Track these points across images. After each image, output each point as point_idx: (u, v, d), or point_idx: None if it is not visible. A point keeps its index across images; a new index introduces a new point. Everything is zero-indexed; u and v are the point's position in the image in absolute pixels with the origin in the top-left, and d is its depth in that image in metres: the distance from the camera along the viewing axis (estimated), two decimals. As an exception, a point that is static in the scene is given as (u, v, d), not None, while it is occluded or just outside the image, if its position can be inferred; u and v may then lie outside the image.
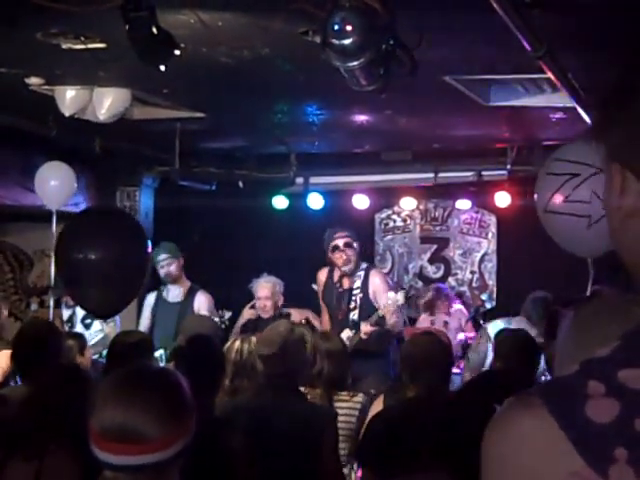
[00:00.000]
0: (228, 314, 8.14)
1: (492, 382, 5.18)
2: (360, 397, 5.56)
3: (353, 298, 8.00)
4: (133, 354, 5.13)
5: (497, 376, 5.17)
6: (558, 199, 6.14)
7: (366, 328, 7.63)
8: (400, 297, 7.71)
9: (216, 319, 8.01)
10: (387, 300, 7.63)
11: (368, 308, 7.84)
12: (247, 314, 8.32)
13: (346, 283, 8.10)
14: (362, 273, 8.09)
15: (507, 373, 5.05)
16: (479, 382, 5.25)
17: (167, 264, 8.53)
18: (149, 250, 6.76)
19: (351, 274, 8.06)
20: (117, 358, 5.23)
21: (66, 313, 8.58)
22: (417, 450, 2.45)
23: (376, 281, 7.97)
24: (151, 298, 8.75)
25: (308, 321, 8.02)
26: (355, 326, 7.76)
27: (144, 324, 8.62)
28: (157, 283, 8.94)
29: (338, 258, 8.02)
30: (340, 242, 8.05)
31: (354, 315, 7.89)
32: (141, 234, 6.29)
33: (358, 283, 8.04)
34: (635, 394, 1.02)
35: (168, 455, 2.22)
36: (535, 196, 6.66)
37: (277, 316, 8.07)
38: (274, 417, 4.52)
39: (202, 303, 8.37)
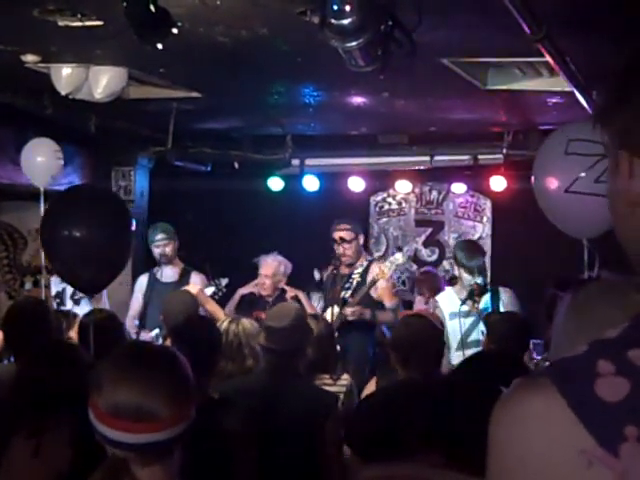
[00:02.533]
0: (225, 281, 8.16)
1: (485, 364, 5.19)
2: (345, 380, 5.48)
3: (350, 280, 8.04)
4: (98, 333, 5.13)
5: (490, 358, 5.18)
6: (588, 179, 6.08)
7: (349, 309, 7.68)
8: (399, 257, 7.77)
9: (212, 288, 8.02)
10: (386, 263, 7.73)
11: (362, 293, 7.88)
12: (251, 288, 8.31)
13: (345, 270, 8.14)
14: (365, 264, 8.18)
15: (500, 355, 5.05)
16: (472, 364, 5.26)
17: (163, 244, 8.54)
18: (133, 227, 6.81)
19: (350, 266, 8.12)
20: (83, 336, 5.25)
21: (55, 289, 8.56)
22: (409, 434, 2.44)
23: (376, 269, 7.99)
24: (143, 279, 8.75)
25: (298, 299, 8.04)
26: (344, 303, 7.80)
27: (135, 306, 8.62)
28: (150, 265, 8.95)
29: (336, 250, 8.08)
30: (337, 235, 8.12)
31: (346, 294, 7.92)
32: (125, 211, 6.37)
33: (359, 270, 8.13)
34: None
35: (175, 433, 2.25)
36: (547, 177, 6.56)
37: (277, 297, 8.08)
38: (276, 399, 4.52)
39: (197, 284, 8.37)
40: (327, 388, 5.28)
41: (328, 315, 7.49)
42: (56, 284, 8.51)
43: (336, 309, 7.73)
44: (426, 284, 9.68)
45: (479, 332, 6.98)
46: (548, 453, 1.03)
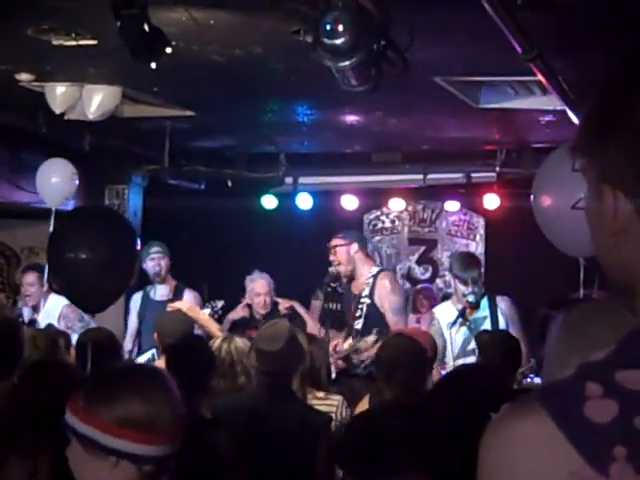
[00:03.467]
0: (220, 303, 8.13)
1: (468, 380, 5.19)
2: (336, 400, 5.38)
3: (360, 306, 7.80)
4: (97, 351, 5.11)
5: (474, 374, 5.18)
6: None
7: (364, 354, 7.55)
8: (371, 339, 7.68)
9: (208, 309, 8.00)
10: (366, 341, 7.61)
11: (374, 317, 7.66)
12: (240, 312, 8.28)
13: (355, 288, 7.84)
14: (371, 280, 7.76)
15: (484, 370, 5.06)
16: (454, 380, 5.26)
17: (158, 257, 8.53)
18: (138, 248, 6.80)
19: (348, 276, 7.88)
20: (81, 355, 5.23)
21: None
22: (395, 453, 2.45)
23: (384, 283, 7.77)
24: (137, 298, 8.72)
25: (293, 309, 8.03)
26: (357, 335, 7.61)
27: (132, 325, 8.60)
28: (142, 283, 8.93)
29: (330, 259, 7.92)
30: (330, 244, 8.01)
31: (358, 324, 7.71)
32: (131, 232, 6.37)
33: (366, 290, 7.71)
34: (633, 394, 1.03)
35: (174, 449, 2.26)
36: (551, 195, 6.55)
37: (270, 312, 8.06)
38: (269, 418, 4.50)
39: (190, 301, 8.36)
40: (315, 402, 5.22)
41: (346, 345, 7.44)
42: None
43: (350, 341, 7.61)
44: (425, 299, 9.70)
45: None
46: (539, 475, 1.04)
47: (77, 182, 8.27)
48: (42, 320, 7.93)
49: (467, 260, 7.52)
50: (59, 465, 2.48)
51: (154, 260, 8.55)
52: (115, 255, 6.08)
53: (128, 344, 8.22)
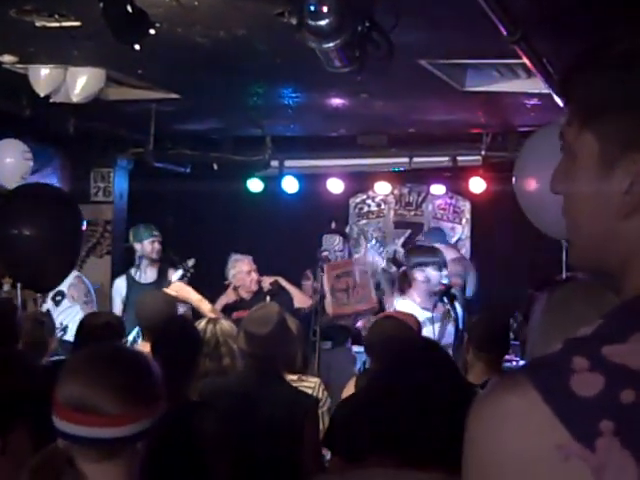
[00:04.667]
0: (191, 262, 8.14)
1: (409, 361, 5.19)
2: (312, 382, 5.36)
3: None
4: (101, 336, 5.09)
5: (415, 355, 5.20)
6: None
7: None
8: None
9: (180, 271, 8.01)
10: None
11: None
12: (232, 295, 8.26)
13: None
14: None
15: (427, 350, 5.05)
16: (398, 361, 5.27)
17: (158, 241, 8.59)
18: (83, 227, 6.81)
19: None
20: (85, 340, 5.20)
21: None
22: (384, 435, 2.44)
23: None
24: (121, 283, 8.70)
25: (278, 284, 8.04)
26: None
27: (116, 310, 8.56)
28: (128, 266, 8.92)
29: None
30: None
31: None
32: (74, 210, 6.37)
33: None
34: (619, 368, 1.03)
35: (124, 433, 2.20)
36: (539, 178, 6.55)
37: (257, 292, 8.07)
38: (257, 401, 4.50)
39: (175, 280, 8.41)
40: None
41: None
42: None
43: None
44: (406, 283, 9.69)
45: (450, 335, 6.94)
46: (525, 449, 1.04)
47: (31, 162, 8.25)
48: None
49: (431, 248, 7.47)
50: (33, 443, 2.50)
51: (153, 244, 8.58)
52: (59, 233, 6.08)
53: None
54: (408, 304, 7.18)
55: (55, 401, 2.24)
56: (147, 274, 8.65)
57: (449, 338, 6.92)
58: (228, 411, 4.28)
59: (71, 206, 6.80)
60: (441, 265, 7.12)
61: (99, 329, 5.23)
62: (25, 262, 6.22)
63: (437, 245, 8.18)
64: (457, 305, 7.08)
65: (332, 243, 8.65)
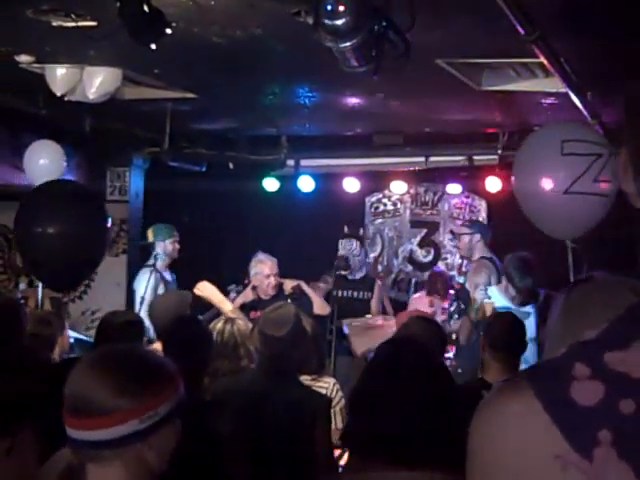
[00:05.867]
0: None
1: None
2: (325, 382, 5.38)
3: None
4: (120, 335, 5.08)
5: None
6: (586, 180, 6.11)
7: None
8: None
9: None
10: None
11: None
12: (250, 295, 8.22)
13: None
14: None
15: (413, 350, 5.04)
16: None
17: (177, 241, 8.63)
18: (109, 225, 6.78)
19: None
20: (104, 340, 5.19)
21: None
22: (405, 436, 2.44)
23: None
24: (151, 277, 8.61)
25: (300, 289, 8.01)
26: None
27: (138, 302, 8.48)
28: (141, 264, 8.92)
29: None
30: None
31: None
32: (101, 208, 6.33)
33: None
34: (620, 376, 1.02)
35: (122, 433, 2.19)
36: (542, 179, 6.54)
37: (277, 296, 8.05)
38: (269, 401, 4.49)
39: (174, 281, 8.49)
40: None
41: None
42: None
43: None
44: (440, 284, 9.67)
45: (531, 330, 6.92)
46: (524, 456, 1.04)
47: (65, 163, 8.25)
48: None
49: (527, 266, 7.41)
50: (40, 444, 2.50)
51: (173, 244, 8.61)
52: (85, 230, 6.06)
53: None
54: (495, 292, 7.48)
55: (63, 407, 2.25)
56: (166, 272, 8.68)
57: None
58: (240, 411, 4.28)
59: (96, 204, 6.77)
60: (520, 289, 7.11)
61: (118, 328, 5.22)
62: (47, 261, 6.19)
63: None
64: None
65: (350, 248, 8.63)
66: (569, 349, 1.09)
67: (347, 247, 8.58)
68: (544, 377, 1.07)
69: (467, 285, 8.16)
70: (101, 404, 2.18)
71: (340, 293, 8.39)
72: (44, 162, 8.11)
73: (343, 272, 8.45)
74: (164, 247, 8.64)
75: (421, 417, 2.39)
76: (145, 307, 8.24)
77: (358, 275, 8.76)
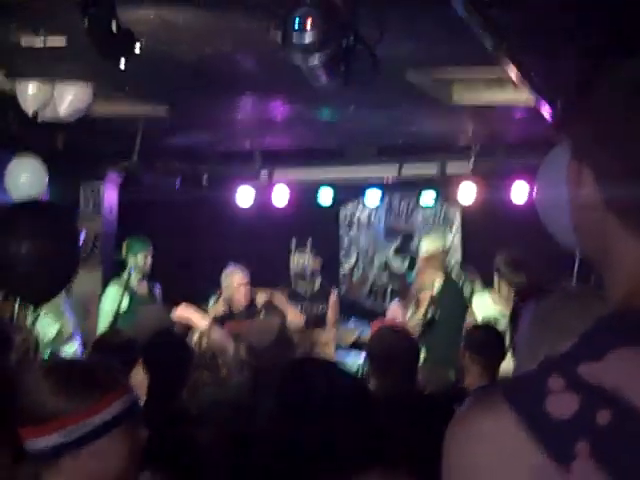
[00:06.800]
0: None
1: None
2: None
3: None
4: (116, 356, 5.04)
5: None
6: None
7: None
8: None
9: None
10: None
11: None
12: (221, 307, 8.18)
13: None
14: None
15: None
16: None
17: (150, 255, 8.57)
18: (81, 243, 6.81)
19: None
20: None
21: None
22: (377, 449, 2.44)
23: None
24: (117, 292, 8.56)
25: (272, 299, 7.99)
26: None
27: (106, 320, 8.43)
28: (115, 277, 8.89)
29: None
30: None
31: None
32: (72, 226, 6.38)
33: None
34: (594, 388, 1.02)
35: (48, 443, 2.21)
36: (562, 190, 6.52)
37: (249, 305, 8.03)
38: (257, 412, 4.49)
39: (159, 294, 8.42)
40: None
41: None
42: None
43: None
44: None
45: None
46: (501, 471, 1.03)
47: (47, 178, 8.20)
48: None
49: (518, 263, 7.36)
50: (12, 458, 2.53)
51: (147, 257, 8.56)
52: (56, 249, 6.10)
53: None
54: (485, 298, 7.50)
55: None
56: (140, 286, 8.61)
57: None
58: (226, 422, 4.28)
59: (69, 220, 6.80)
60: (515, 285, 7.10)
61: (119, 347, 5.16)
62: (22, 277, 6.22)
63: None
64: None
65: (302, 262, 8.53)
66: (542, 363, 1.08)
67: (300, 261, 8.52)
68: (518, 390, 1.06)
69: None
70: (33, 413, 2.23)
71: (299, 308, 8.34)
72: (25, 179, 8.04)
73: (299, 290, 8.45)
74: (136, 261, 8.59)
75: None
76: (105, 321, 8.25)
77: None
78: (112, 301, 8.52)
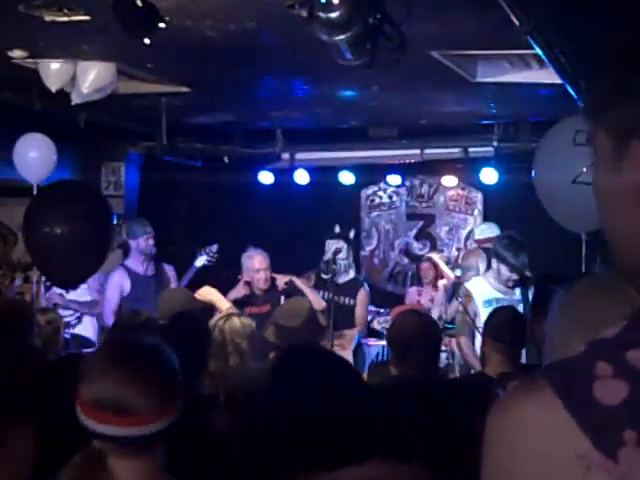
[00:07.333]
0: (215, 247, 8.13)
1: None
2: None
3: None
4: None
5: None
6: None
7: None
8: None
9: (204, 256, 7.98)
10: None
11: None
12: (242, 290, 8.16)
13: None
14: None
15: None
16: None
17: (152, 237, 8.50)
18: (114, 222, 6.81)
19: None
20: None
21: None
22: (401, 433, 2.42)
23: None
24: (121, 276, 8.53)
25: (292, 284, 7.95)
26: None
27: (114, 301, 8.28)
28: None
29: None
30: None
31: None
32: (105, 207, 6.39)
33: None
34: None
35: (157, 429, 2.25)
36: (555, 169, 6.50)
37: (270, 288, 8.01)
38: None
39: (173, 276, 8.40)
40: None
41: None
42: None
43: None
44: (430, 270, 9.68)
45: None
46: (546, 457, 1.01)
47: (55, 157, 8.19)
48: None
49: (518, 245, 7.30)
50: (36, 440, 2.51)
51: (148, 239, 8.51)
52: (90, 230, 6.10)
53: (109, 320, 8.09)
54: (480, 282, 7.30)
55: (82, 400, 2.26)
56: (145, 267, 8.57)
57: None
58: (251, 406, 4.26)
59: (101, 202, 6.82)
60: (516, 268, 7.04)
61: (139, 327, 5.16)
62: (55, 258, 6.23)
63: None
64: (530, 294, 7.07)
65: (335, 250, 8.42)
66: (588, 348, 1.06)
67: (333, 248, 8.42)
68: (563, 376, 1.04)
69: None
70: (135, 404, 2.22)
71: (322, 295, 8.22)
72: (34, 155, 8.06)
73: (325, 276, 8.36)
74: (137, 245, 8.56)
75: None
76: (109, 308, 8.23)
77: (342, 279, 8.42)
78: (114, 287, 8.50)
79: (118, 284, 8.43)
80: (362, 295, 8.45)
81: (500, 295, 7.07)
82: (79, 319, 8.31)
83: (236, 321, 5.12)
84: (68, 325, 7.92)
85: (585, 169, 5.98)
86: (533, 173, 6.76)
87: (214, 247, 8.13)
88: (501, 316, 5.49)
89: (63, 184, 7.31)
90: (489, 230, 8.95)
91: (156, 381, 2.28)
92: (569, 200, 6.27)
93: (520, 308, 6.85)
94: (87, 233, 6.10)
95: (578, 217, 6.30)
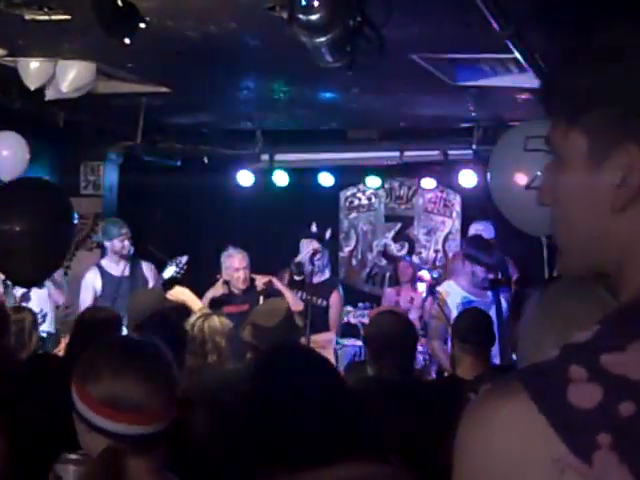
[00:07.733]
0: (185, 258, 8.07)
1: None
2: None
3: None
4: (102, 331, 5.02)
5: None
6: None
7: None
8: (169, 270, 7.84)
9: (173, 267, 7.95)
10: None
11: None
12: (220, 289, 8.15)
13: None
14: None
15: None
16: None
17: (127, 237, 8.46)
18: (75, 222, 6.77)
19: None
20: (84, 334, 5.13)
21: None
22: (377, 433, 2.42)
23: None
24: (93, 276, 8.52)
25: (271, 284, 7.95)
26: None
27: (87, 302, 8.28)
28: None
29: None
30: None
31: None
32: (67, 205, 6.36)
33: None
34: (618, 379, 1.00)
35: (164, 427, 2.30)
36: (509, 175, 6.54)
37: (248, 288, 8.00)
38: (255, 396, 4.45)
39: (152, 275, 8.37)
40: None
41: None
42: None
43: None
44: (407, 268, 9.68)
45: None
46: (520, 461, 1.01)
47: (28, 155, 8.16)
48: None
49: (487, 245, 7.32)
50: (6, 441, 2.52)
51: (125, 240, 8.48)
52: (50, 228, 6.08)
53: None
54: (452, 286, 7.33)
55: (95, 400, 2.27)
56: (120, 267, 8.53)
57: None
58: (228, 406, 4.26)
59: (62, 199, 6.78)
60: (491, 267, 7.06)
61: (101, 324, 5.15)
62: (14, 257, 6.20)
63: None
64: (502, 298, 7.08)
65: (314, 253, 8.38)
66: (562, 352, 1.05)
67: (311, 250, 8.40)
68: (538, 380, 1.03)
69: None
70: (149, 402, 2.26)
71: (298, 295, 8.21)
72: (7, 154, 8.03)
73: (297, 277, 8.37)
74: (112, 246, 8.54)
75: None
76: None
77: (316, 279, 8.42)
78: (86, 286, 8.50)
79: (90, 284, 8.44)
80: (335, 298, 8.46)
81: (473, 298, 7.11)
82: (44, 317, 8.26)
83: (216, 320, 5.12)
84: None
85: (540, 173, 5.98)
86: (488, 177, 6.79)
87: (184, 258, 8.06)
88: (468, 318, 5.52)
89: (23, 180, 7.28)
90: (486, 232, 8.90)
91: (166, 379, 2.34)
92: (524, 204, 6.31)
93: (493, 310, 6.91)
94: (47, 231, 6.07)
95: (534, 221, 6.35)
